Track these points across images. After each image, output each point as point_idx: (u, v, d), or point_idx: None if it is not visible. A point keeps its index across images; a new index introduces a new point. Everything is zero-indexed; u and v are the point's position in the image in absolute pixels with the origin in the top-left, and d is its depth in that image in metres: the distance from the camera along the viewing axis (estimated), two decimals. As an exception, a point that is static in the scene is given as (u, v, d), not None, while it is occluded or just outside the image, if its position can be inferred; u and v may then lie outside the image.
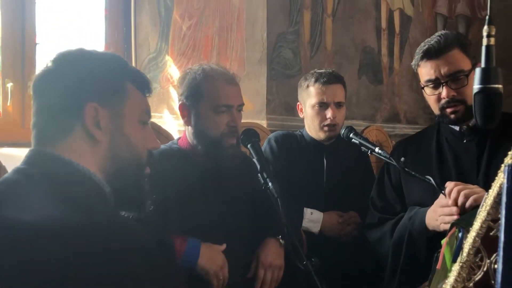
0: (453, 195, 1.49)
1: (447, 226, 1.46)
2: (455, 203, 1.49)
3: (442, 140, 1.79)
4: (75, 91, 1.00)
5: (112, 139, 1.02)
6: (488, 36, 1.03)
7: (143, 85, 1.11)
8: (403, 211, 1.79)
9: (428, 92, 1.72)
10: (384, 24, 3.78)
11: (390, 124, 3.81)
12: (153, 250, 0.93)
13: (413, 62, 1.75)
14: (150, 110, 1.13)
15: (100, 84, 1.02)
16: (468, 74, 1.65)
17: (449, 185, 1.53)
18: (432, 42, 1.68)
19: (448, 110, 1.68)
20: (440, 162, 1.75)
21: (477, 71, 1.04)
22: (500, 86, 1.03)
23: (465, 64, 1.67)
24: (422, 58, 1.69)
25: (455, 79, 1.65)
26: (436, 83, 1.68)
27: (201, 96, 1.65)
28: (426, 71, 1.69)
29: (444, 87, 1.65)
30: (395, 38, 3.91)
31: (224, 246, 1.61)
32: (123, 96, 1.05)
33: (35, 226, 0.79)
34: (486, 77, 1.03)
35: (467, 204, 1.46)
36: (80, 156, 0.98)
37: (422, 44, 1.72)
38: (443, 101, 1.67)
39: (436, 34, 1.71)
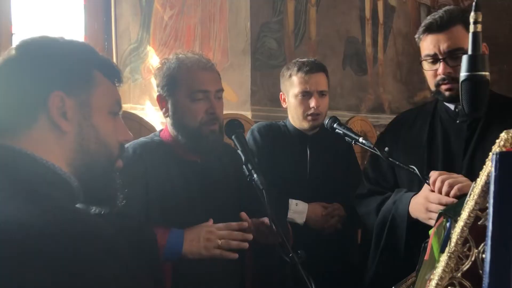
0: (437, 184, 1.49)
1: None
2: (440, 192, 1.48)
3: (436, 117, 1.77)
4: (39, 79, 0.94)
5: (80, 130, 0.97)
6: (475, 22, 1.02)
7: (113, 74, 1.05)
8: (395, 184, 1.77)
9: (425, 67, 1.69)
10: (368, 14, 3.77)
11: (374, 114, 3.82)
12: (125, 252, 0.86)
13: (416, 35, 1.73)
14: (120, 100, 1.08)
15: (66, 72, 0.96)
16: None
17: (433, 174, 1.52)
18: (436, 16, 1.65)
19: (443, 87, 1.65)
20: (430, 140, 1.74)
21: (464, 58, 1.03)
22: (487, 73, 1.02)
23: (466, 42, 1.63)
24: (424, 31, 1.67)
25: (453, 56, 1.62)
26: (434, 59, 1.65)
27: (177, 85, 1.60)
28: (426, 45, 1.67)
29: (441, 63, 1.63)
30: (379, 28, 3.90)
31: (210, 222, 1.52)
32: (90, 85, 0.99)
33: None
34: (473, 65, 1.02)
35: (451, 193, 1.46)
36: (44, 149, 0.93)
37: (428, 17, 1.70)
38: (438, 77, 1.65)
39: (443, 8, 1.69)
